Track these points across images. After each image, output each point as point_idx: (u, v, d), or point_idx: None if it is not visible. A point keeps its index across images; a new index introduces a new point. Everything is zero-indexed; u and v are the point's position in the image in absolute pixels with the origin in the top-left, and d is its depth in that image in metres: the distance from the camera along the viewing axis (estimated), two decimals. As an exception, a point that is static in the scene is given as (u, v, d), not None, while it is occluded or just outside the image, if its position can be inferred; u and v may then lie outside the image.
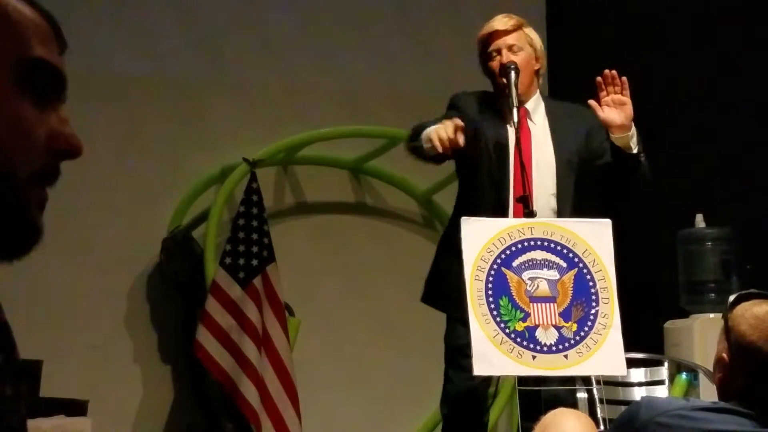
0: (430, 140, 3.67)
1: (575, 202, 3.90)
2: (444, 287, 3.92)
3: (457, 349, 3.80)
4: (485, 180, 3.91)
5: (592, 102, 3.78)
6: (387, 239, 5.82)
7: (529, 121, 3.98)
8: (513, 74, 3.87)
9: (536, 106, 4.03)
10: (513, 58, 3.93)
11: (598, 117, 3.77)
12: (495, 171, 3.89)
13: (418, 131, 3.86)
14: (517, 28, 4.01)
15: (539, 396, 3.52)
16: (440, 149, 3.64)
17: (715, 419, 2.42)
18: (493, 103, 4.02)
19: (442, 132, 3.64)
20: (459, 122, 3.68)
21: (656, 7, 5.64)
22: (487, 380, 3.89)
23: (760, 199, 4.95)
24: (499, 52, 3.96)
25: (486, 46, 4.01)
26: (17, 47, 1.00)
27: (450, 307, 3.90)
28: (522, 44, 3.99)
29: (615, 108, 3.75)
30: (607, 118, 3.75)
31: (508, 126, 3.92)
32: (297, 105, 5.71)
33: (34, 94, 1.00)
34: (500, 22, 4.02)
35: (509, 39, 3.98)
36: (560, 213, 3.88)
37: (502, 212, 3.83)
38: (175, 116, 5.43)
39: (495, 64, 3.96)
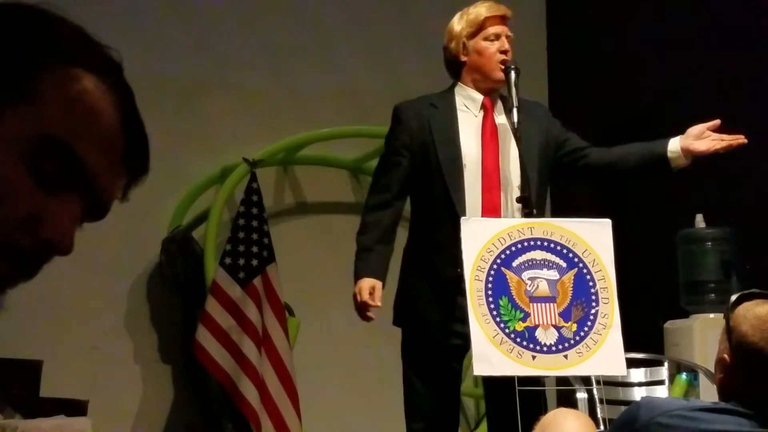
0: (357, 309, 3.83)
1: (539, 192, 3.86)
2: (413, 309, 3.91)
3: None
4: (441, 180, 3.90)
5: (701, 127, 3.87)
6: (387, 239, 5.81)
7: (496, 116, 3.95)
8: (514, 74, 3.85)
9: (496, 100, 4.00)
10: (508, 47, 3.92)
11: (693, 146, 3.87)
12: (449, 166, 3.86)
13: (359, 248, 4.00)
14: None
15: (538, 396, 3.52)
16: (365, 316, 3.81)
17: (715, 419, 2.41)
18: (448, 97, 4.02)
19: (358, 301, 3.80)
20: (373, 284, 3.81)
21: (657, 8, 5.64)
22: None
23: (760, 199, 4.95)
24: (498, 37, 3.94)
25: (482, 26, 3.96)
26: (46, 123, 0.90)
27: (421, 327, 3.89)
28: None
29: (711, 143, 3.84)
30: (700, 148, 3.86)
31: (463, 120, 3.92)
32: (297, 105, 5.71)
33: (35, 169, 0.89)
34: (504, 9, 3.99)
35: (508, 30, 3.97)
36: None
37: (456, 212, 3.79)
38: (175, 116, 5.43)
39: (495, 47, 3.93)
